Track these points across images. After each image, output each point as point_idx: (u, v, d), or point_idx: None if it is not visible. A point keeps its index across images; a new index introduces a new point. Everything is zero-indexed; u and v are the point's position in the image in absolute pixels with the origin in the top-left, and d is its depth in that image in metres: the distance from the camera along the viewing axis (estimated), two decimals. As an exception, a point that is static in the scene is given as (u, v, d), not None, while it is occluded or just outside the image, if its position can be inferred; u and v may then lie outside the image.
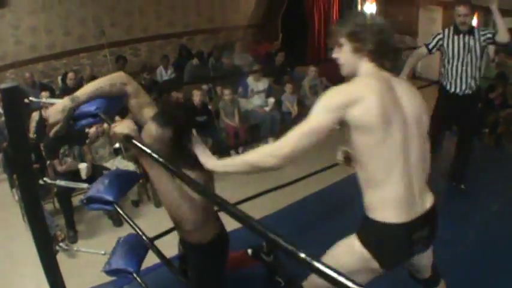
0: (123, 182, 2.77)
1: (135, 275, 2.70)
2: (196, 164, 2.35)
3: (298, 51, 12.16)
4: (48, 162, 5.83)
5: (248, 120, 8.20)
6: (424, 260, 2.55)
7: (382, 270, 2.27)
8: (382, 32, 2.27)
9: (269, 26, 12.66)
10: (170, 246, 3.25)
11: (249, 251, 3.68)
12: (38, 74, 9.53)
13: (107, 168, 5.77)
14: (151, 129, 2.37)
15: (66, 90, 8.01)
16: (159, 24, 11.03)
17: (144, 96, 2.72)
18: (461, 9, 4.73)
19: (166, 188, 2.22)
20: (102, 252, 3.08)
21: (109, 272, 2.75)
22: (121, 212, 2.82)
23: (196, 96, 7.44)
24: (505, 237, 4.20)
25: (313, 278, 2.47)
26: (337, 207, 4.90)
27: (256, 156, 2.15)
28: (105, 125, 6.10)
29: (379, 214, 2.19)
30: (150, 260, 3.13)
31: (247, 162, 2.19)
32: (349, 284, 0.92)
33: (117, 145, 6.39)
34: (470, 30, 4.80)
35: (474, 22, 8.54)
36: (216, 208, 2.78)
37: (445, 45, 4.94)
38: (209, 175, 2.48)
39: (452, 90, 4.97)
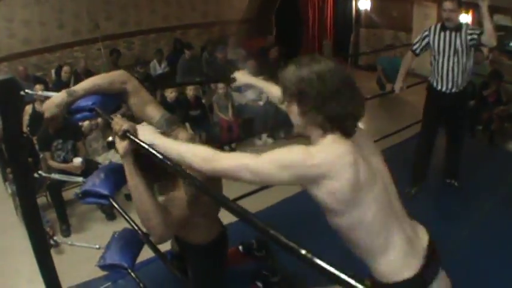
0: (118, 176, 2.74)
1: (129, 270, 2.69)
2: None
3: (292, 47, 12.10)
4: (41, 155, 5.81)
5: (242, 114, 8.17)
6: None
7: None
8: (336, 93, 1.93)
9: (263, 21, 12.63)
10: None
11: (240, 247, 3.67)
12: (31, 67, 9.49)
13: (100, 164, 5.75)
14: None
15: (60, 84, 8.00)
16: (153, 18, 10.98)
17: (145, 94, 2.72)
18: (447, 4, 4.60)
19: (142, 197, 2.22)
20: (97, 246, 3.06)
21: (103, 267, 2.75)
22: (117, 206, 2.80)
23: (190, 91, 7.42)
24: (499, 235, 4.21)
25: None
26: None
27: (191, 152, 2.02)
28: (99, 119, 6.09)
29: (396, 276, 2.04)
30: (144, 254, 3.12)
31: (181, 152, 2.05)
32: (350, 281, 0.91)
33: (110, 138, 6.36)
34: (458, 28, 4.66)
35: (469, 20, 8.60)
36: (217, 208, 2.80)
37: (431, 41, 4.84)
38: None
39: (439, 87, 4.90)
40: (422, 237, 2.18)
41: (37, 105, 6.63)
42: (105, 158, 6.11)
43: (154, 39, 11.20)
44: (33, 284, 3.53)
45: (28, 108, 6.75)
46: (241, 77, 3.29)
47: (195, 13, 11.88)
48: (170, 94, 7.24)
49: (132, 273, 2.69)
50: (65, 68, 8.71)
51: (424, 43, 4.94)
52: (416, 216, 4.38)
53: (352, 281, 0.93)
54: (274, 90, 2.82)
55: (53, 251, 4.74)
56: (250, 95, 8.27)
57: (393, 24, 11.84)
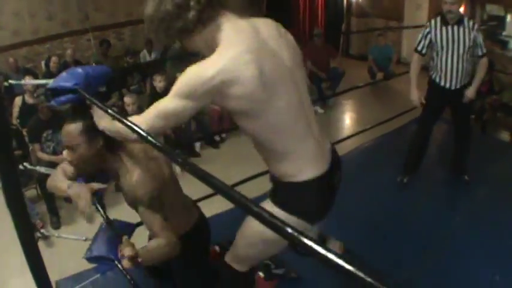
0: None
1: (116, 262, 2.65)
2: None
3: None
4: (30, 148, 5.78)
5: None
6: None
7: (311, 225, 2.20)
8: None
9: (253, 9, 12.55)
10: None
11: (216, 247, 3.50)
12: (21, 59, 9.47)
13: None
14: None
15: (49, 75, 7.95)
16: (143, 8, 10.74)
17: None
18: None
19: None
20: (83, 238, 3.03)
21: (90, 259, 2.70)
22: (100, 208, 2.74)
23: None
24: (490, 223, 4.21)
25: (238, 249, 2.42)
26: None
27: (123, 127, 1.90)
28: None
29: (300, 177, 2.04)
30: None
31: (117, 129, 2.03)
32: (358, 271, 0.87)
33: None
34: (459, 21, 4.44)
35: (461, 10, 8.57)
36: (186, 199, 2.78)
37: (433, 37, 4.56)
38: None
39: (442, 84, 4.64)
40: (326, 140, 2.20)
41: (27, 97, 6.60)
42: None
43: (144, 29, 11.02)
44: (24, 277, 3.50)
45: (18, 100, 6.72)
46: None
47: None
48: (159, 83, 7.11)
49: (119, 265, 2.66)
50: (53, 59, 8.69)
51: (427, 41, 4.64)
52: (409, 204, 4.39)
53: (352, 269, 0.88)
54: None
55: (43, 244, 4.77)
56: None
57: (384, 14, 11.80)
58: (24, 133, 5.94)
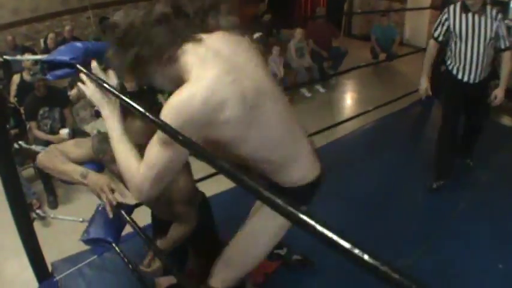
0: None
1: (114, 244, 2.61)
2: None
3: (284, 13, 11.99)
4: (28, 126, 5.73)
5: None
6: None
7: None
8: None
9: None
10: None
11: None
12: (20, 37, 9.41)
13: (87, 134, 5.65)
14: None
15: (47, 52, 7.88)
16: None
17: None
18: None
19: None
20: (80, 219, 2.99)
21: (87, 241, 2.66)
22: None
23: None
24: (492, 207, 4.18)
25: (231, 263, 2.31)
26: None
27: (125, 166, 1.88)
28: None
29: (304, 180, 2.02)
30: (129, 227, 3.04)
31: (118, 158, 1.96)
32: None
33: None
34: (481, 9, 4.04)
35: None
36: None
37: (452, 25, 4.18)
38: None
39: (460, 77, 4.32)
40: (311, 144, 2.15)
41: (25, 75, 6.54)
42: (92, 127, 6.02)
43: (145, 7, 10.93)
44: (19, 258, 3.47)
45: (16, 78, 6.67)
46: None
47: (189, -21, 11.63)
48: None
49: (117, 248, 2.62)
50: (50, 35, 8.64)
51: (445, 27, 4.27)
52: (410, 186, 4.35)
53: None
54: None
55: (39, 224, 4.72)
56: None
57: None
58: (22, 111, 5.88)
